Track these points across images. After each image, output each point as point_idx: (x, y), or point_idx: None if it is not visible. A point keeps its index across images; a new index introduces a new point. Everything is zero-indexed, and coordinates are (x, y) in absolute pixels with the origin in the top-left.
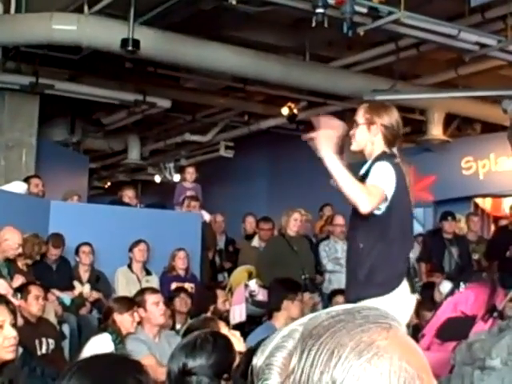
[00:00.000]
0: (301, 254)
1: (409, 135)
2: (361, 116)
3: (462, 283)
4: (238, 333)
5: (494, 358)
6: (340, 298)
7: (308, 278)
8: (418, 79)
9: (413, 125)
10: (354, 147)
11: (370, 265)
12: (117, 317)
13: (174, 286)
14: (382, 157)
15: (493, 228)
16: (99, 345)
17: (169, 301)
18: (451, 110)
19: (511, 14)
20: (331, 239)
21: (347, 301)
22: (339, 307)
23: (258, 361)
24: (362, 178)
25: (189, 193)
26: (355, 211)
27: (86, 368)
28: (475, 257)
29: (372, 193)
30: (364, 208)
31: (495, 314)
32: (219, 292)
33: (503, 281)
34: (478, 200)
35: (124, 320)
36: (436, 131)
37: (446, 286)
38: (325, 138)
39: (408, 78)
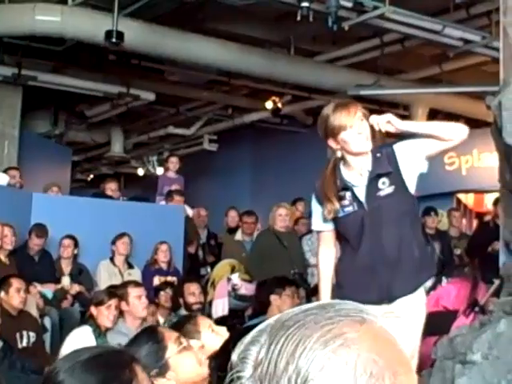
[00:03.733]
0: (290, 250)
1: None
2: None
3: (444, 278)
4: (222, 329)
5: (474, 353)
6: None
7: (297, 273)
8: (402, 74)
9: None
10: (369, 147)
11: (419, 251)
12: (94, 310)
13: (156, 279)
14: (393, 142)
15: (475, 224)
16: (80, 338)
17: (154, 295)
18: (435, 105)
19: (496, 10)
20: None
21: (395, 297)
22: (315, 303)
23: (234, 355)
24: (379, 176)
25: (173, 186)
26: (392, 201)
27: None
28: (457, 252)
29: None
30: (466, 130)
31: (477, 309)
32: (188, 285)
33: (485, 276)
34: (461, 195)
35: (101, 314)
36: None
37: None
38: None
39: (392, 73)
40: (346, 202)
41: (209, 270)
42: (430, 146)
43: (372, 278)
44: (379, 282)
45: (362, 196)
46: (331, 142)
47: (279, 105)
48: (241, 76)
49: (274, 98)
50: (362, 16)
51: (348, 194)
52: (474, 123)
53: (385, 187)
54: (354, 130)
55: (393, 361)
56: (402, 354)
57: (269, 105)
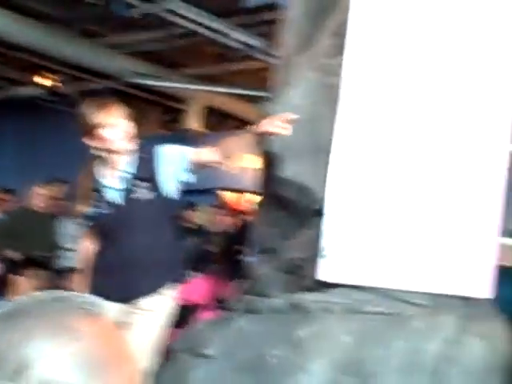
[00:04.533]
0: (42, 230)
1: (168, 124)
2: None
3: (196, 273)
4: None
5: (210, 347)
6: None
7: (46, 256)
8: (183, 69)
9: (172, 114)
10: (130, 146)
11: (171, 251)
12: None
13: None
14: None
15: (233, 222)
16: None
17: None
18: (211, 103)
19: (278, 19)
20: (69, 217)
21: (141, 296)
22: (52, 293)
23: None
24: (138, 179)
25: None
26: (147, 205)
27: None
28: (212, 248)
29: None
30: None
31: (220, 305)
32: None
33: (230, 273)
34: (222, 193)
35: None
36: (194, 122)
37: None
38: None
39: (175, 66)
40: (99, 203)
41: None
42: (200, 160)
43: (120, 276)
44: (126, 281)
45: (116, 198)
46: (89, 140)
47: (55, 83)
48: (17, 48)
49: (49, 74)
50: (152, 6)
51: (102, 196)
52: (246, 124)
53: (142, 190)
54: (116, 130)
55: (115, 355)
56: (125, 349)
57: (44, 81)
